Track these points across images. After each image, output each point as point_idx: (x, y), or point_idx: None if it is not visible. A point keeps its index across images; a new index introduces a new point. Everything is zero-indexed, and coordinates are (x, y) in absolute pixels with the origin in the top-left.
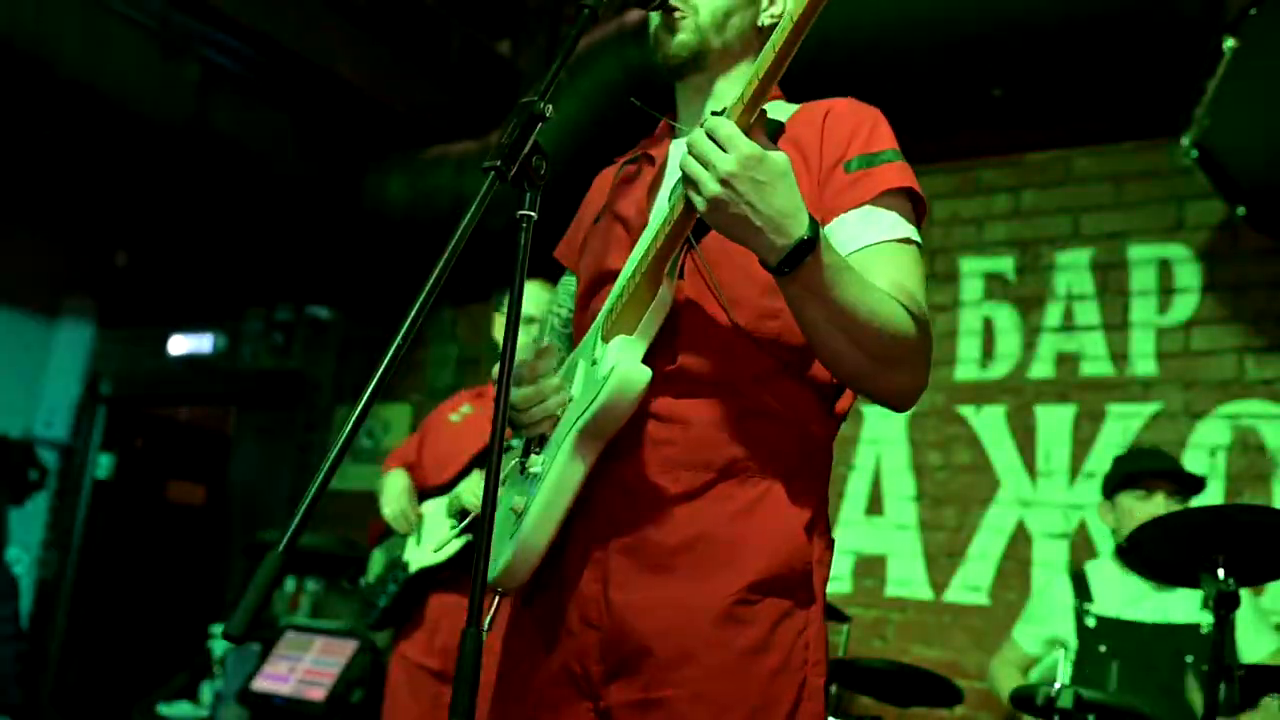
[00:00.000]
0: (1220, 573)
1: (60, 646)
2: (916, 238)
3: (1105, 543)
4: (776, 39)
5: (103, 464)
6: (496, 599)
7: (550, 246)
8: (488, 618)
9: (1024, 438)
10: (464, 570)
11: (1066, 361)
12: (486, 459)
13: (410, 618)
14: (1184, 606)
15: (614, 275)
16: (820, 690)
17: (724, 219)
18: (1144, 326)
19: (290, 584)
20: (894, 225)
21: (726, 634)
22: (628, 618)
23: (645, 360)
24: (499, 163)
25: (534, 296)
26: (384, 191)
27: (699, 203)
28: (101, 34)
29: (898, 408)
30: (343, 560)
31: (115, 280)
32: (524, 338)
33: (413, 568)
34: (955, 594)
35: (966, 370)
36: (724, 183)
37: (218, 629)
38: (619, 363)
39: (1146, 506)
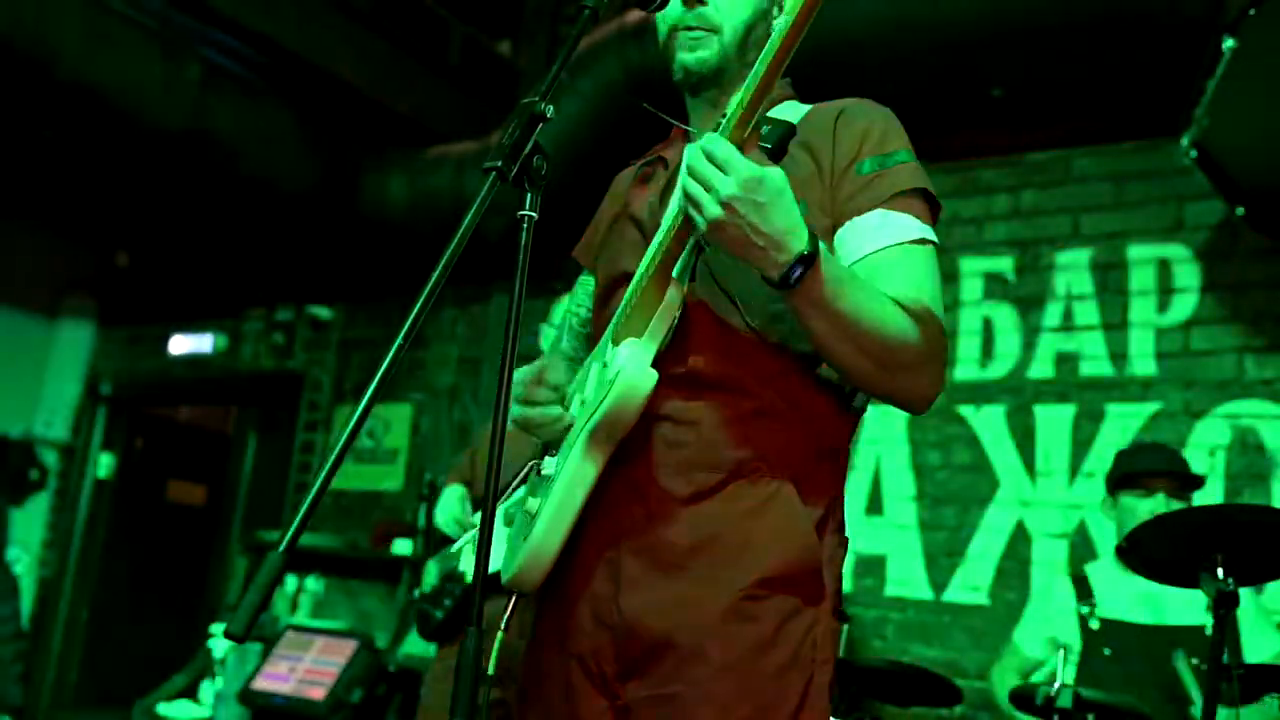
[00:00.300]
0: (1220, 572)
1: (61, 646)
2: (932, 236)
3: (1105, 543)
4: (767, 54)
5: (103, 464)
6: (514, 600)
7: (550, 246)
8: (505, 618)
9: (1023, 437)
10: None
11: (1066, 361)
12: (535, 464)
13: (460, 625)
14: (1188, 608)
15: (628, 278)
16: (826, 687)
17: (725, 238)
18: (1143, 326)
19: (291, 584)
20: (908, 227)
21: (733, 629)
22: (639, 617)
23: (656, 362)
24: (500, 163)
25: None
26: (384, 191)
27: (700, 223)
28: (102, 34)
29: (914, 411)
30: (343, 560)
31: (116, 280)
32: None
33: (469, 578)
34: (955, 594)
35: (966, 370)
36: (725, 205)
37: (218, 629)
38: (625, 367)
39: (1147, 504)
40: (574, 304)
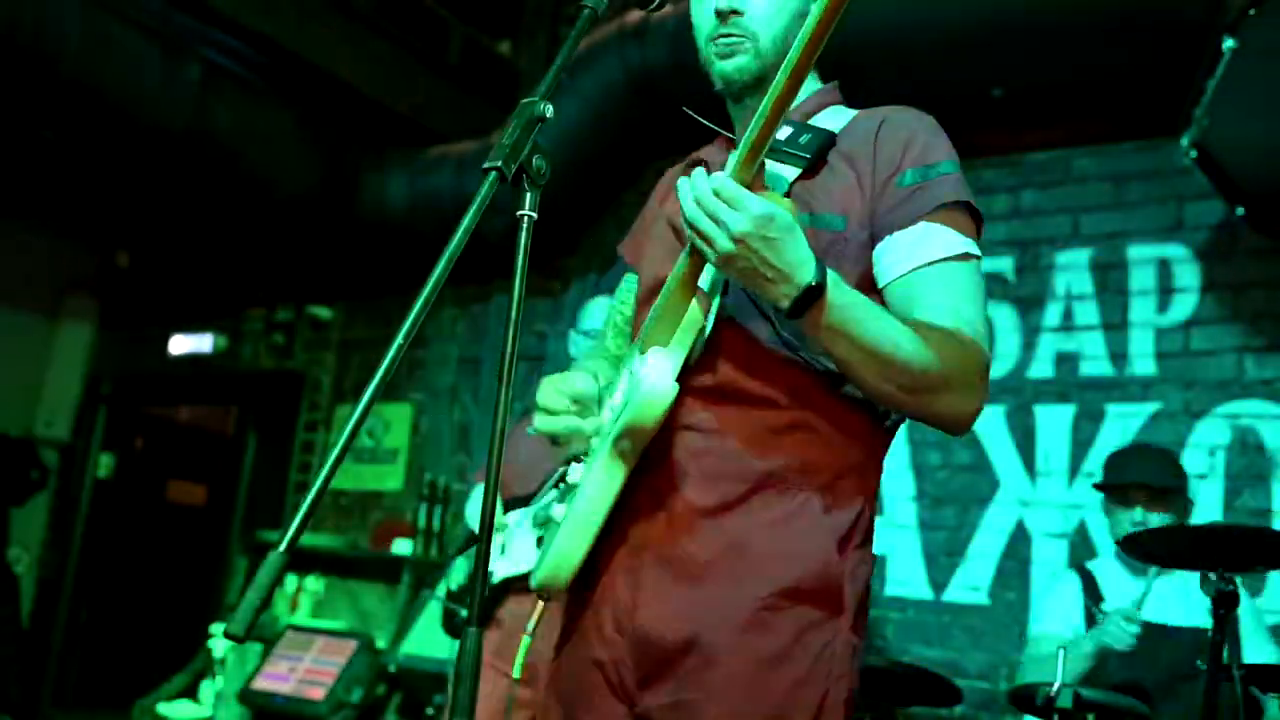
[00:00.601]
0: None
1: (61, 646)
2: (974, 250)
3: (1105, 542)
4: (767, 105)
5: (103, 464)
6: (542, 604)
7: (550, 246)
8: (532, 622)
9: (1023, 437)
10: None
11: (1066, 361)
12: (564, 470)
13: (494, 621)
14: (1194, 609)
15: (662, 283)
16: (842, 704)
17: (735, 270)
18: (1143, 326)
19: (291, 584)
20: (949, 242)
21: (750, 640)
22: (657, 627)
23: (684, 373)
24: (499, 163)
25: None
26: (384, 191)
27: (711, 256)
28: (102, 34)
29: (953, 432)
30: (343, 560)
31: (116, 280)
32: (587, 345)
33: (496, 578)
34: (955, 593)
35: None
36: (737, 241)
37: (218, 628)
38: (644, 378)
39: (1127, 514)
40: (619, 301)
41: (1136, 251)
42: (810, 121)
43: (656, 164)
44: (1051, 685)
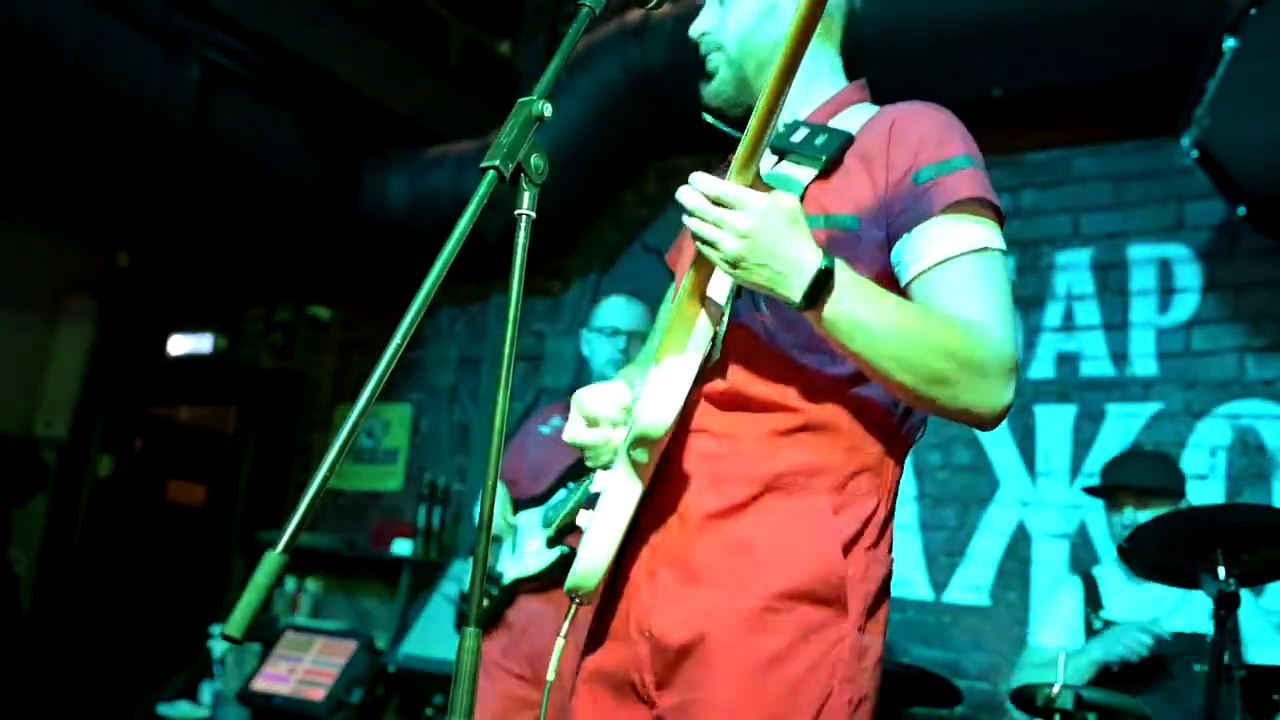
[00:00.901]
0: (1220, 572)
1: (60, 646)
2: (995, 243)
3: (1105, 543)
4: (759, 109)
5: (103, 464)
6: (574, 606)
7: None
8: (565, 626)
9: (1024, 438)
10: (555, 581)
11: (1066, 361)
12: (576, 471)
13: (503, 621)
14: (1195, 614)
15: None
16: (845, 706)
17: (746, 272)
18: (1144, 326)
19: (290, 584)
20: (969, 236)
21: (750, 640)
22: (670, 629)
23: (699, 377)
24: (497, 162)
25: (622, 310)
26: (384, 191)
27: (719, 261)
28: (102, 34)
29: (982, 426)
30: (343, 560)
31: (116, 280)
32: (611, 350)
33: (507, 578)
34: (955, 594)
35: None
36: (744, 238)
37: (218, 629)
38: (655, 387)
39: (1120, 518)
40: (662, 307)
41: (1137, 251)
42: (831, 122)
43: (656, 164)
44: (1052, 686)
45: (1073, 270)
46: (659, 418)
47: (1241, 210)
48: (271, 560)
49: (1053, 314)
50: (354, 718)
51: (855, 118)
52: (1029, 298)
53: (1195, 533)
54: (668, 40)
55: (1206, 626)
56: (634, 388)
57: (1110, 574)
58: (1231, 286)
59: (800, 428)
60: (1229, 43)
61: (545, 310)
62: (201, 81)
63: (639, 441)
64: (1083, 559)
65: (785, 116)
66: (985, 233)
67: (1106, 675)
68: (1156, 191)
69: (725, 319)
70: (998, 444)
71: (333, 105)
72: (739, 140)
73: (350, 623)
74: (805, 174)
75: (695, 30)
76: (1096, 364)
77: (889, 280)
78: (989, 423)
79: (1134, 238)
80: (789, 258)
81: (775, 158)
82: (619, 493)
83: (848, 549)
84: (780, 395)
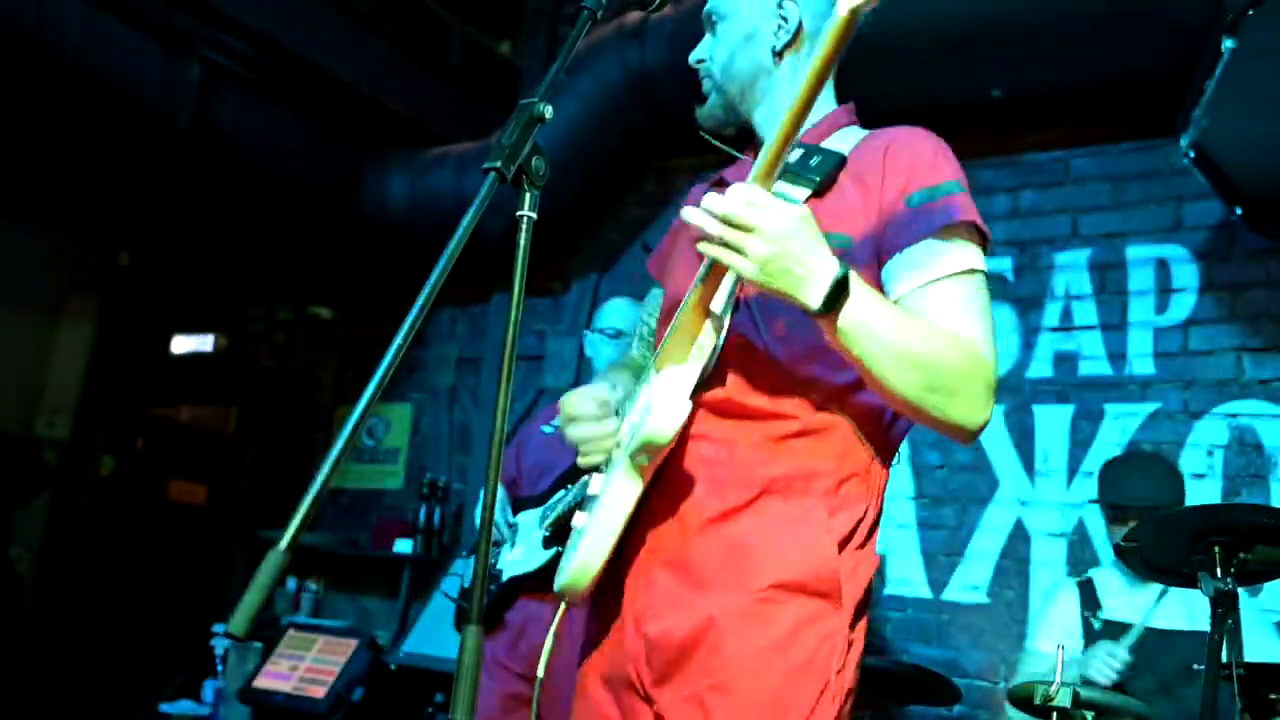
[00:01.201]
0: (1218, 571)
1: (62, 645)
2: (981, 265)
3: (1104, 543)
4: (781, 129)
5: (104, 463)
6: (563, 606)
7: (550, 247)
8: (554, 624)
9: (1022, 437)
10: (552, 581)
11: (1065, 361)
12: (576, 472)
13: (501, 620)
14: (1193, 614)
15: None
16: (840, 695)
17: (770, 279)
18: (1142, 326)
19: (292, 583)
20: (956, 258)
21: (750, 628)
22: (668, 629)
23: (698, 386)
24: (499, 164)
25: (624, 312)
26: (384, 191)
27: (745, 268)
28: (103, 33)
29: (961, 440)
30: (344, 559)
31: (117, 280)
32: (613, 352)
33: (505, 576)
34: (954, 593)
35: None
36: (772, 243)
37: (219, 627)
38: (661, 396)
39: (1121, 530)
40: (645, 313)
41: (1135, 252)
42: (823, 144)
43: (656, 164)
44: (1050, 684)
45: (1071, 270)
46: (667, 424)
47: (1239, 211)
48: (273, 559)
49: (1051, 314)
50: (355, 716)
51: (847, 139)
52: (1027, 297)
53: (1193, 532)
54: (667, 41)
55: (1204, 624)
56: (613, 390)
57: (1107, 576)
58: (1229, 287)
59: (795, 434)
60: (1227, 44)
61: (546, 310)
62: (202, 82)
63: (645, 447)
64: (1081, 558)
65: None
66: (971, 255)
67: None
68: (1155, 192)
69: (725, 331)
70: (996, 444)
71: (333, 105)
72: (734, 151)
73: (351, 621)
74: (800, 193)
75: (692, 59)
76: (1094, 364)
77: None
78: (969, 436)
79: (1132, 238)
80: (810, 264)
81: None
82: (617, 495)
83: (841, 547)
84: (776, 404)
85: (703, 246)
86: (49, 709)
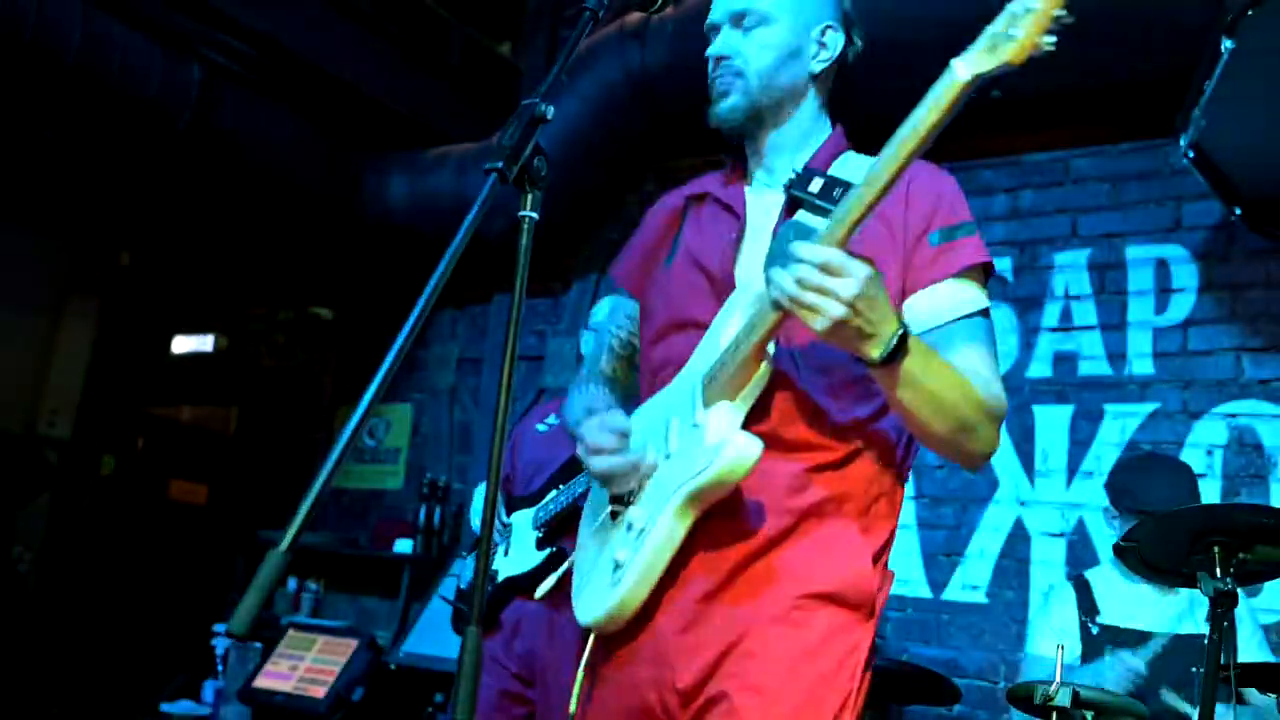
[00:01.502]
0: (1217, 571)
1: (63, 644)
2: (987, 303)
3: (1103, 543)
4: (881, 173)
5: (105, 463)
6: (592, 639)
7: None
8: (584, 659)
9: (1022, 437)
10: (545, 580)
11: (1064, 361)
12: (569, 471)
13: (497, 621)
14: (1190, 616)
15: (695, 324)
16: (858, 705)
17: (839, 335)
18: (1141, 326)
19: (292, 583)
20: (973, 299)
21: (782, 632)
22: (700, 644)
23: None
24: (500, 164)
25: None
26: (384, 192)
27: (819, 325)
28: (103, 34)
29: (970, 467)
30: (344, 559)
31: (118, 280)
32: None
33: (500, 576)
34: (953, 593)
35: None
36: (848, 306)
37: (220, 627)
38: (733, 435)
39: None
40: (613, 325)
41: (1135, 252)
42: (830, 169)
43: (656, 164)
44: (1050, 684)
45: (1070, 270)
46: (741, 468)
47: (1238, 211)
48: (274, 559)
49: (1050, 314)
50: (355, 716)
51: (850, 168)
52: (1027, 298)
53: (1193, 532)
54: (668, 42)
55: (1199, 627)
56: (605, 406)
57: (1105, 577)
58: (1228, 287)
59: (829, 464)
60: (1227, 44)
61: (546, 310)
62: (202, 82)
63: (710, 488)
64: (1080, 558)
65: (788, 163)
66: (982, 296)
67: (1106, 676)
68: (1154, 192)
69: (770, 371)
70: None
71: (334, 106)
72: (726, 162)
73: (351, 621)
74: (823, 224)
75: (714, 52)
76: (1094, 364)
77: None
78: (979, 465)
79: (1131, 238)
80: (877, 321)
81: (784, 198)
82: (666, 533)
83: (874, 563)
84: (812, 435)
85: (778, 299)
86: (50, 708)
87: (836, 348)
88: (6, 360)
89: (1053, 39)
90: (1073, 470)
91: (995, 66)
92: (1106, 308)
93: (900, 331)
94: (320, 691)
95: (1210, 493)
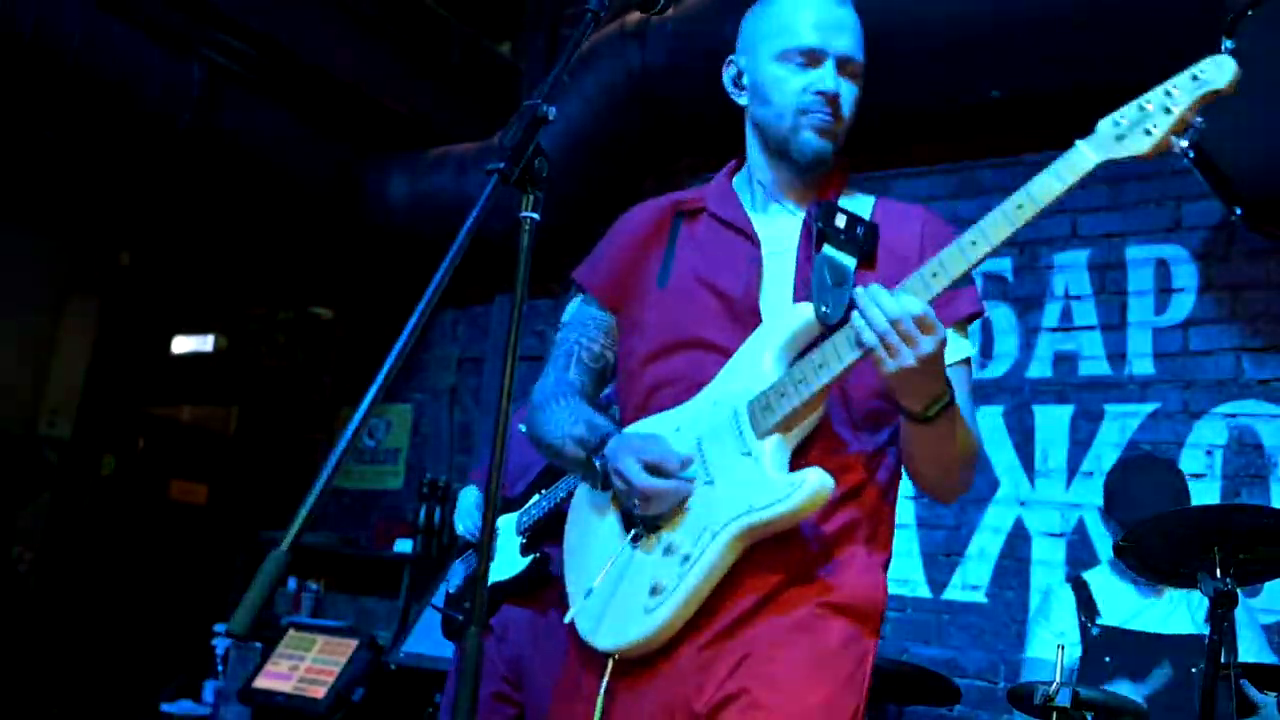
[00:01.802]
0: (1217, 571)
1: (63, 644)
2: (972, 352)
3: (1103, 543)
4: (990, 237)
5: (105, 463)
6: (611, 664)
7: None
8: (604, 684)
9: (1022, 437)
10: (528, 586)
11: (1064, 361)
12: (550, 476)
13: (485, 625)
14: (1189, 616)
15: (703, 345)
16: (863, 713)
17: (901, 381)
18: (1141, 326)
19: (292, 583)
20: (964, 348)
21: (800, 638)
22: (719, 667)
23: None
24: (502, 165)
25: None
26: (385, 192)
27: (889, 368)
28: (104, 34)
29: (947, 503)
30: (344, 559)
31: (118, 280)
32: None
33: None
34: (953, 592)
35: None
36: (922, 360)
37: (220, 627)
38: (808, 472)
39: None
40: (583, 337)
41: (1135, 252)
42: (841, 203)
43: (656, 165)
44: (1050, 684)
45: (1070, 270)
46: (813, 505)
47: (1238, 211)
48: (274, 559)
49: (1050, 314)
50: (355, 716)
51: (858, 207)
52: (1027, 298)
53: (1193, 533)
54: (669, 43)
55: (1199, 628)
56: (605, 422)
57: (1103, 577)
58: (1228, 287)
59: (849, 493)
60: (1226, 44)
61: (547, 311)
62: (203, 82)
63: (775, 522)
64: (1080, 558)
65: (805, 197)
66: (969, 344)
67: (1103, 679)
68: (1154, 192)
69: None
70: (996, 443)
71: (334, 106)
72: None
73: (352, 621)
74: (849, 261)
75: (829, 90)
76: (1094, 364)
77: None
78: (952, 501)
79: (1131, 238)
80: (933, 381)
81: (802, 228)
82: (715, 563)
83: (883, 577)
84: (839, 467)
85: (868, 340)
86: (50, 708)
87: (874, 386)
88: (6, 360)
89: (1186, 142)
90: (1073, 470)
91: (1123, 157)
92: (1106, 308)
93: (947, 400)
94: (320, 692)
95: (1210, 493)
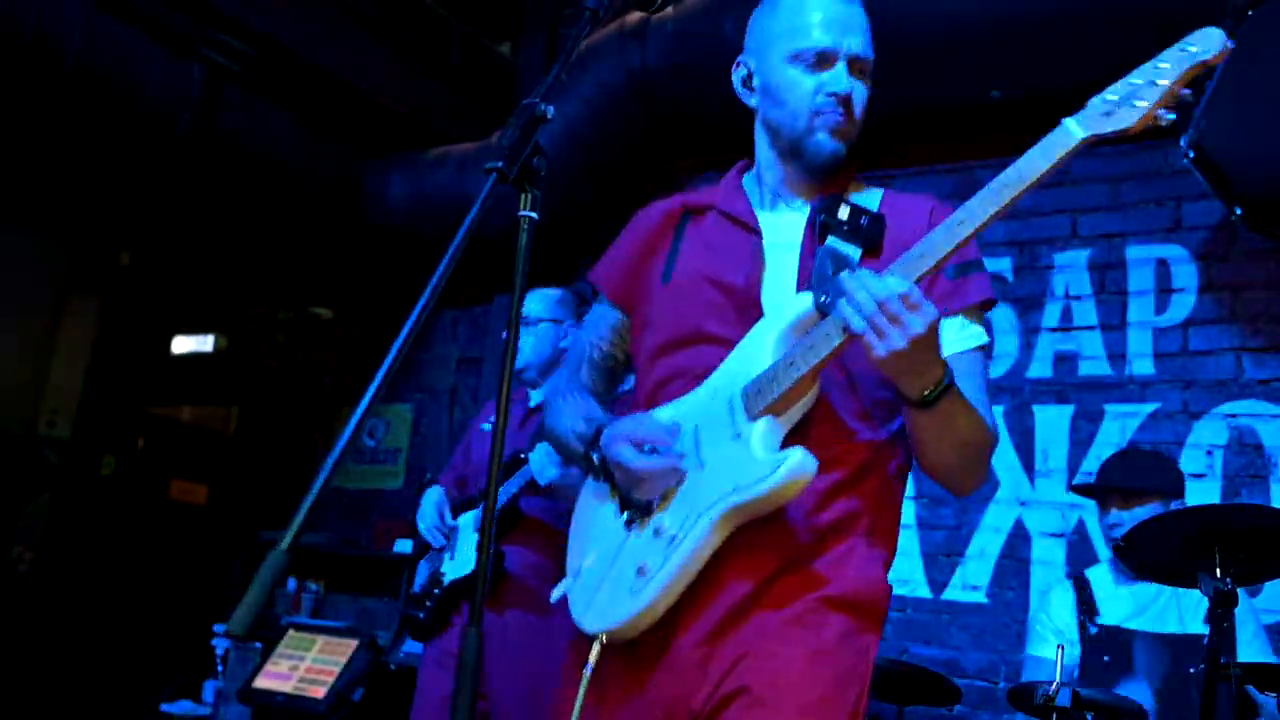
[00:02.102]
0: (1217, 571)
1: (63, 644)
2: (987, 340)
3: (1102, 543)
4: (979, 216)
5: (105, 463)
6: (598, 645)
7: (550, 248)
8: (591, 662)
9: (1022, 437)
10: (490, 583)
11: (1064, 361)
12: (505, 472)
13: (448, 623)
14: (1188, 616)
15: (709, 339)
16: (864, 712)
17: (894, 365)
18: (1141, 326)
19: (292, 583)
20: (977, 335)
21: (797, 633)
22: (717, 665)
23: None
24: (500, 164)
25: (539, 299)
26: (385, 192)
27: (878, 352)
28: (104, 35)
29: (959, 495)
30: (344, 559)
31: (118, 280)
32: (531, 339)
33: (446, 579)
34: (954, 593)
35: None
36: (912, 341)
37: (220, 627)
38: (790, 451)
39: (1107, 519)
40: (594, 336)
41: (1135, 252)
42: (850, 198)
43: (655, 165)
44: (1050, 684)
45: (1071, 270)
46: (798, 486)
47: (1238, 211)
48: (274, 559)
49: (1051, 314)
50: (355, 716)
51: (865, 199)
52: (1027, 298)
53: (1193, 533)
54: (669, 42)
55: (1199, 627)
56: (603, 416)
57: (1103, 576)
58: (1228, 287)
59: (850, 482)
60: (1228, 44)
61: None
62: (203, 82)
63: (758, 502)
64: (1080, 558)
65: (813, 194)
66: (983, 331)
67: (1102, 676)
68: (1154, 192)
69: (818, 391)
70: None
71: (334, 106)
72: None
73: (352, 621)
74: (854, 252)
75: (843, 90)
76: (1094, 364)
77: None
78: (970, 493)
79: (1131, 238)
80: (928, 364)
81: (807, 220)
82: (702, 544)
83: (884, 573)
84: (839, 455)
85: (852, 323)
86: (50, 708)
87: (881, 374)
88: (6, 360)
89: (1173, 115)
90: (1073, 470)
91: (1110, 132)
92: (1107, 308)
93: (946, 382)
94: (320, 692)
95: (1210, 493)
